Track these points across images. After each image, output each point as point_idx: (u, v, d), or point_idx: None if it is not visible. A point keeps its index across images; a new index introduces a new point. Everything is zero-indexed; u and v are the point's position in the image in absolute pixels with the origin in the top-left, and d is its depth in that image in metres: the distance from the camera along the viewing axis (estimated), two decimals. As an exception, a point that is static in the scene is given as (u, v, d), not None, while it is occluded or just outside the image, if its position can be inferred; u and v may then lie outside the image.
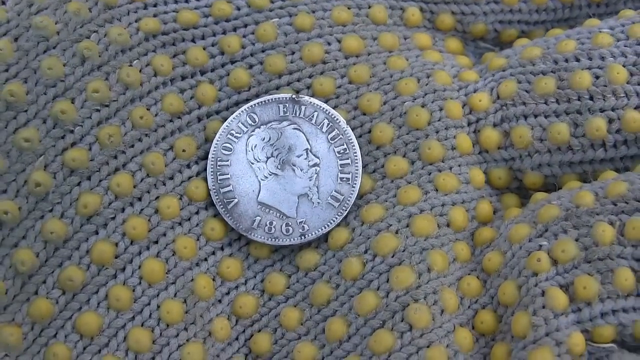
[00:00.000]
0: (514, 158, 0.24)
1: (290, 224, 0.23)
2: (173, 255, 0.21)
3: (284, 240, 0.23)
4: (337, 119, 0.24)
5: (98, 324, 0.20)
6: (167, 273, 0.21)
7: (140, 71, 0.22)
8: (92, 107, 0.20)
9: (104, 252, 0.20)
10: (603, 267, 0.20)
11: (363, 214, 0.23)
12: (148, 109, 0.21)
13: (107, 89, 0.21)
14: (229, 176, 0.23)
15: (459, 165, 0.24)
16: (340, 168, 0.23)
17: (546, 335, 0.20)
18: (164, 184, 0.21)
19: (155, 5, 0.23)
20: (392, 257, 0.21)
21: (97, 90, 0.20)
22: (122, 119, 0.21)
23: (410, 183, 0.23)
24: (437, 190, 0.23)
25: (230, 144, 0.23)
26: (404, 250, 0.22)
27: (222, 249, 0.22)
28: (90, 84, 0.20)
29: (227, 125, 0.23)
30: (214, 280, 0.22)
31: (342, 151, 0.23)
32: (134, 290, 0.20)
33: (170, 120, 0.22)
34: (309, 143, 0.23)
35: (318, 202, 0.23)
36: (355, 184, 0.23)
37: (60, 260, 0.20)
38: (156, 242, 0.21)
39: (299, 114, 0.23)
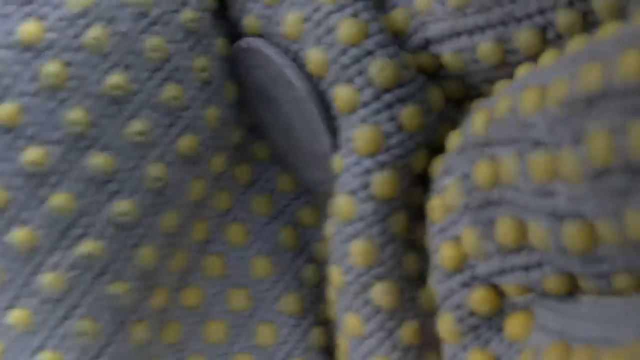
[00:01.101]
0: None
1: None
2: None
3: None
4: None
5: (199, 295, 0.20)
6: None
7: None
8: (197, 87, 0.19)
9: (199, 229, 0.20)
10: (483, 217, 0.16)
11: None
12: None
13: (212, 65, 0.19)
14: None
15: None
16: None
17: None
18: None
19: None
20: None
21: (204, 69, 0.19)
22: None
23: None
24: None
25: None
26: None
27: None
28: (195, 62, 0.19)
29: None
30: None
31: None
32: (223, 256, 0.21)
33: None
34: None
35: None
36: None
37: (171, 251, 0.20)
38: None
39: None
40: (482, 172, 0.15)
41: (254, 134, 0.21)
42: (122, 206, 0.18)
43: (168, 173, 0.18)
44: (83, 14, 0.18)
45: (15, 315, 0.18)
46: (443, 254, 0.16)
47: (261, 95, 0.20)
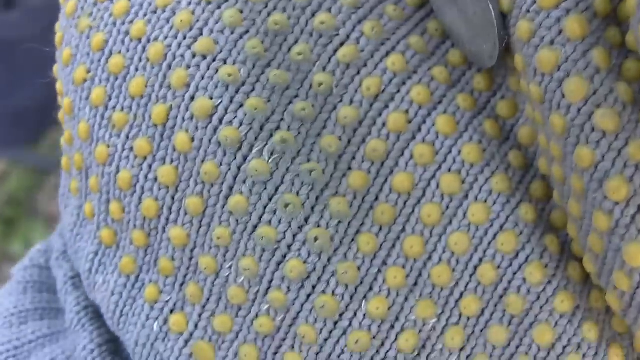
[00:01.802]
0: None
1: None
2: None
3: None
4: None
5: (411, 180, 0.22)
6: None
7: None
8: (349, 11, 0.23)
9: (398, 120, 0.22)
10: None
11: None
12: (396, 4, 0.24)
13: None
14: None
15: None
16: None
17: None
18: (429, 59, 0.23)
19: None
20: None
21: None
22: (379, 14, 0.23)
23: None
24: None
25: None
26: None
27: None
28: None
29: None
30: None
31: None
32: (433, 145, 0.22)
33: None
34: None
35: None
36: None
37: (361, 138, 0.22)
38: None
39: None
40: None
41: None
42: (299, 105, 0.22)
43: (333, 76, 0.23)
44: None
45: (234, 202, 0.22)
46: None
47: None
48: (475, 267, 0.22)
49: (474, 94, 0.23)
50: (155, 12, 0.24)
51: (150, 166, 0.23)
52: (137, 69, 0.23)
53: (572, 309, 0.22)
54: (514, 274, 0.22)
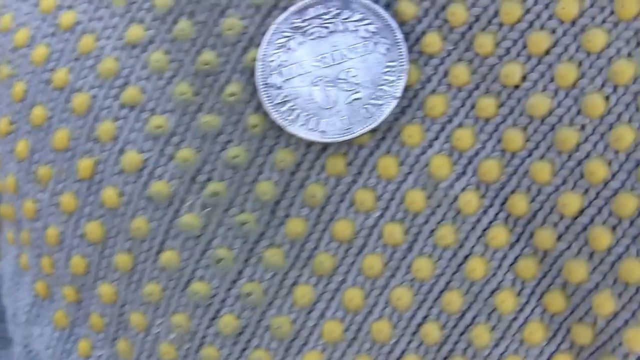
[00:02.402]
0: None
1: None
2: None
3: None
4: None
5: (352, 228, 0.21)
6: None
7: None
8: None
9: (338, 163, 0.21)
10: None
11: None
12: None
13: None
14: None
15: None
16: None
17: None
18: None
19: None
20: None
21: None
22: None
23: None
24: None
25: None
26: None
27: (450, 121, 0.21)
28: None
29: None
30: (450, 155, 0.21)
31: None
32: (375, 190, 0.21)
33: None
34: None
35: None
36: None
37: (299, 183, 0.21)
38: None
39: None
40: None
41: None
42: (232, 152, 0.21)
43: (265, 120, 0.21)
44: (170, 11, 0.22)
45: (166, 258, 0.22)
46: None
47: None
48: (419, 325, 0.21)
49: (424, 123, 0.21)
50: (78, 59, 0.23)
51: (77, 222, 0.22)
52: (60, 121, 0.22)
53: None
54: (460, 335, 0.21)
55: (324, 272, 0.21)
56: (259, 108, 0.22)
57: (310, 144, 0.22)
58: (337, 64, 0.21)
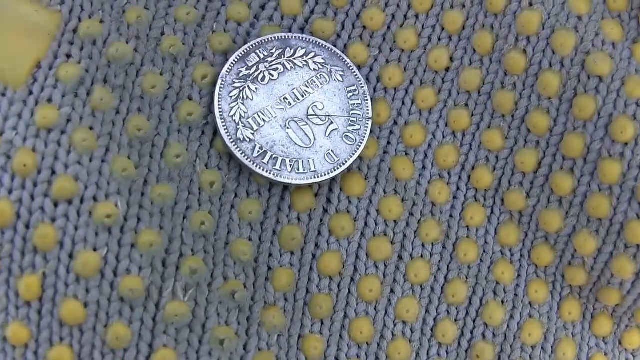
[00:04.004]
0: None
1: None
2: None
3: None
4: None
5: (338, 259, 0.20)
6: None
7: None
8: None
9: (305, 197, 0.21)
10: None
11: None
12: None
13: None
14: None
15: None
16: None
17: None
18: None
19: None
20: None
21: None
22: None
23: None
24: None
25: None
26: None
27: None
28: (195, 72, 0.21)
29: None
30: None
31: None
32: (348, 212, 0.21)
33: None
34: None
35: None
36: None
37: (272, 230, 0.20)
38: None
39: None
40: None
41: None
42: (196, 219, 0.19)
43: (221, 172, 0.20)
44: (81, 82, 0.19)
45: (159, 358, 0.18)
46: None
47: None
48: (432, 329, 0.21)
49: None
50: None
51: (35, 354, 0.18)
52: None
53: None
54: (474, 321, 0.21)
55: (324, 315, 0.20)
56: (209, 164, 0.20)
57: (271, 186, 0.20)
58: (301, 101, 0.20)
